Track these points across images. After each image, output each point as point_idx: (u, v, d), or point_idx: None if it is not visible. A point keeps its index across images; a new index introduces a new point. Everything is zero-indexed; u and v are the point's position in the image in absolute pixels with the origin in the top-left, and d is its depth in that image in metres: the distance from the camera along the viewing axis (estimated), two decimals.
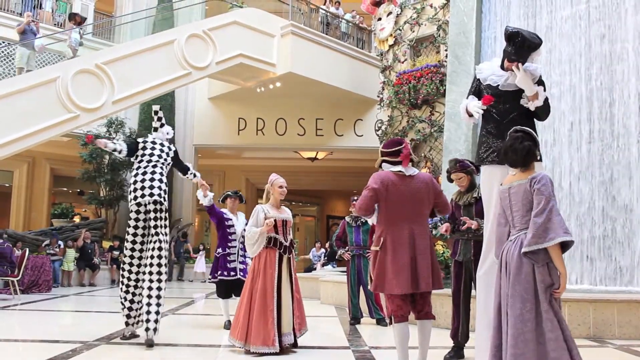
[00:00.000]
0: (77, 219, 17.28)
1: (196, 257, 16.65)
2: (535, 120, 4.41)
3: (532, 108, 4.24)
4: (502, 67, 4.40)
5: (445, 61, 11.00)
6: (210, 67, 13.74)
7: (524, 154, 3.33)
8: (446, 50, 11.08)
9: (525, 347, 3.10)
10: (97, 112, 12.17)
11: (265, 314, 4.99)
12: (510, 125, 4.39)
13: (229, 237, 6.83)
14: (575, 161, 8.91)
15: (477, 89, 4.61)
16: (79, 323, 7.93)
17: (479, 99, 4.47)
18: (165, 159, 6.16)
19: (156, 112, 6.35)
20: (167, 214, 6.05)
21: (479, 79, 4.62)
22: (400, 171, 4.19)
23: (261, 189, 24.55)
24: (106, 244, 14.87)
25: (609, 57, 8.89)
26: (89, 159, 15.21)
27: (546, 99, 4.27)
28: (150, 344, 5.35)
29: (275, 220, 5.21)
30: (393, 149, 4.28)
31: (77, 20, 14.08)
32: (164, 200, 5.96)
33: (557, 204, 3.20)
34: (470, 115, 4.49)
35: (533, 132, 3.42)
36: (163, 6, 17.19)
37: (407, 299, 4.08)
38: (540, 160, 4.72)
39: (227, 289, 6.78)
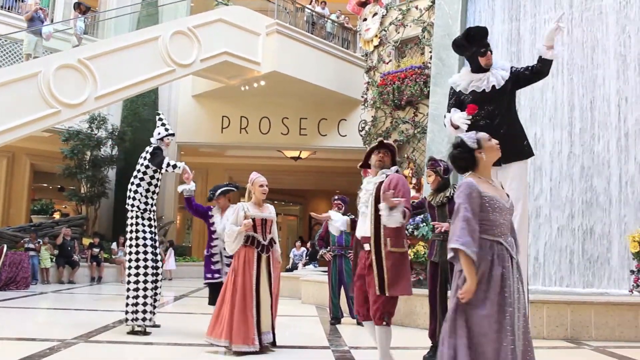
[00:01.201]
0: (57, 216, 17.11)
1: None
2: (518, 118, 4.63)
3: (544, 55, 4.60)
4: (474, 71, 4.59)
5: (430, 63, 11.05)
6: (194, 65, 13.67)
7: (457, 162, 3.40)
8: (431, 52, 11.13)
9: (441, 345, 3.17)
10: (79, 107, 12.06)
11: (245, 313, 4.98)
12: (500, 124, 4.54)
13: (212, 236, 6.60)
14: (555, 164, 9.00)
15: (458, 101, 4.74)
16: (57, 321, 7.84)
17: (461, 111, 4.58)
18: (141, 166, 6.70)
19: (157, 115, 7.03)
20: (137, 217, 6.75)
21: (458, 91, 4.76)
22: None
23: (244, 188, 24.62)
24: (86, 241, 14.72)
25: (591, 61, 8.99)
26: (70, 154, 15.06)
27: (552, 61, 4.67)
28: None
29: (254, 219, 5.19)
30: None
31: (81, 9, 14.22)
32: (131, 207, 6.77)
33: (468, 211, 3.17)
34: (457, 128, 4.58)
35: (468, 143, 3.39)
36: (148, 2, 17.07)
37: None
38: (528, 156, 4.82)
39: (213, 292, 6.37)
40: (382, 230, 4.12)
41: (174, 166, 6.41)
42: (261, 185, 5.33)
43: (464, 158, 3.38)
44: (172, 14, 16.22)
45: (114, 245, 15.09)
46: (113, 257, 14.85)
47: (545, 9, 9.69)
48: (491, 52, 4.70)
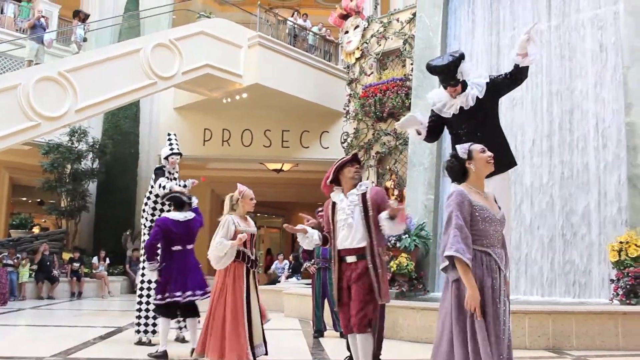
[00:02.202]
0: (36, 230, 16.88)
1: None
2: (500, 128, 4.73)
3: (521, 63, 4.79)
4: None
5: (411, 75, 11.13)
6: (176, 77, 13.61)
7: (449, 172, 3.48)
8: (412, 64, 11.21)
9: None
10: (59, 120, 11.93)
11: (237, 329, 4.92)
12: (481, 139, 4.64)
13: None
14: (536, 175, 9.08)
15: (439, 118, 4.95)
16: (35, 337, 7.71)
17: (436, 131, 4.94)
18: (152, 188, 7.05)
19: (168, 135, 7.46)
20: (145, 235, 7.00)
21: (436, 114, 5.01)
22: None
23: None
24: (66, 256, 14.53)
25: (569, 74, 9.11)
26: (50, 168, 14.89)
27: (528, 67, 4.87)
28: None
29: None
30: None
31: (80, 16, 14.38)
32: (142, 226, 7.08)
33: (460, 218, 3.19)
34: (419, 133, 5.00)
35: (460, 154, 3.44)
36: (129, 14, 17.02)
37: None
38: (510, 167, 4.89)
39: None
40: (374, 240, 4.20)
41: (163, 187, 6.74)
42: (252, 199, 5.30)
43: (455, 168, 3.44)
44: (153, 27, 16.17)
45: (95, 260, 14.91)
46: (94, 271, 14.66)
47: (524, 21, 9.79)
48: (458, 83, 4.87)
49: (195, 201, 6.41)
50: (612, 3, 8.81)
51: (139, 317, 6.75)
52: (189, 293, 5.84)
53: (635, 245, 7.08)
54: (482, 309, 3.12)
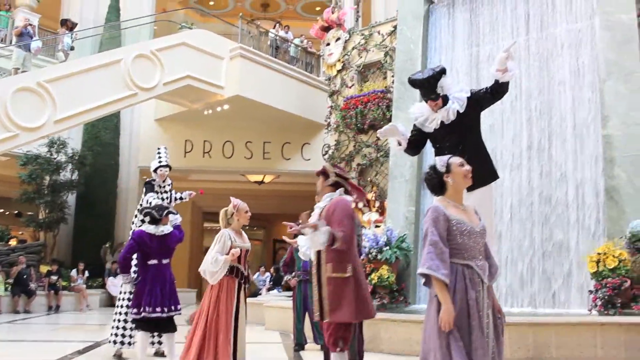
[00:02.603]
0: (13, 242, 16.61)
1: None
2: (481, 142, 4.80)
3: (500, 79, 4.85)
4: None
5: (392, 87, 11.19)
6: (157, 88, 13.56)
7: (428, 184, 3.51)
8: (393, 76, 11.27)
9: None
10: (38, 131, 11.82)
11: (226, 345, 4.90)
12: (463, 152, 4.71)
13: None
14: (514, 186, 9.15)
15: (421, 132, 5.01)
16: (10, 353, 7.55)
17: (418, 145, 5.07)
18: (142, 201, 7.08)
19: (158, 149, 7.33)
20: None
21: (418, 128, 5.06)
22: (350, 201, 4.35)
23: (208, 212, 24.32)
24: (44, 269, 14.31)
25: (547, 87, 9.23)
26: (28, 179, 14.71)
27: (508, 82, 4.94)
28: None
29: (240, 250, 5.12)
30: (349, 177, 4.46)
31: (68, 25, 14.48)
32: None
33: (435, 235, 3.21)
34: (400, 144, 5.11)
35: (438, 167, 3.46)
36: (110, 25, 16.94)
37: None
38: (491, 180, 4.93)
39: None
40: (322, 255, 4.15)
41: (150, 203, 6.72)
42: (247, 212, 5.28)
43: (433, 181, 3.45)
44: (135, 37, 16.09)
45: (73, 272, 14.70)
46: (72, 284, 14.45)
47: (503, 35, 9.92)
48: (438, 97, 4.93)
49: (179, 219, 6.35)
50: (588, 17, 8.95)
51: (117, 327, 6.68)
52: (172, 308, 5.80)
53: (613, 256, 7.14)
54: (467, 322, 3.13)
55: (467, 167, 3.41)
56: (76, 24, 15.20)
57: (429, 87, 4.97)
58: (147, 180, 7.23)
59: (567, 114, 8.91)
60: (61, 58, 14.19)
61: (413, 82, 5.17)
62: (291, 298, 7.85)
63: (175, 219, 6.27)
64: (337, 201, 4.24)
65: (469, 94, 4.97)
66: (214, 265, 4.95)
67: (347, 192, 4.40)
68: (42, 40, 14.92)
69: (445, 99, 4.97)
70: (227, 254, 4.97)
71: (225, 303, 5.00)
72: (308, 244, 4.23)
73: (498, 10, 10.08)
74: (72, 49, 14.56)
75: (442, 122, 4.95)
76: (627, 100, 8.05)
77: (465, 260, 3.24)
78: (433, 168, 3.46)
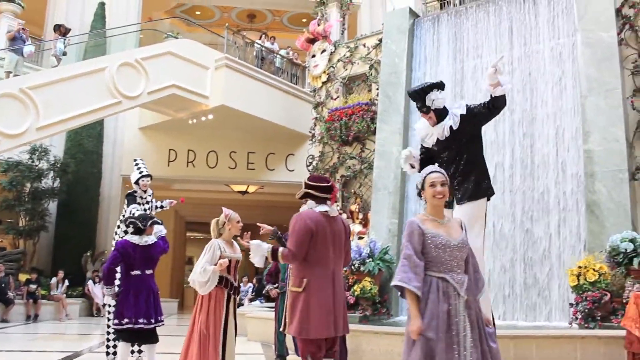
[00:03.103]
0: None
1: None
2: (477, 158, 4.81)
3: (494, 93, 4.83)
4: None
5: (377, 99, 11.25)
6: (141, 97, 13.52)
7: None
8: (378, 89, 11.34)
9: None
10: (19, 138, 11.71)
11: (214, 357, 4.88)
12: (458, 167, 4.77)
13: None
14: (497, 200, 9.22)
15: (426, 149, 5.14)
16: None
17: (427, 162, 4.94)
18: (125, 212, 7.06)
19: (135, 160, 7.37)
20: None
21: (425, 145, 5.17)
22: (326, 211, 4.21)
23: (191, 222, 24.21)
24: (23, 277, 14.13)
25: (530, 102, 9.34)
26: (9, 186, 14.55)
27: (504, 95, 4.89)
28: None
29: (230, 260, 5.09)
30: (322, 184, 4.30)
31: (61, 30, 14.61)
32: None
33: (409, 248, 3.31)
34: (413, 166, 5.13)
35: (418, 180, 3.58)
36: (96, 32, 16.88)
37: (323, 340, 4.07)
38: (481, 197, 4.94)
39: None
40: (288, 270, 4.22)
41: (133, 214, 6.75)
42: (238, 221, 5.26)
43: (417, 193, 3.59)
44: (120, 46, 16.06)
45: (53, 281, 14.53)
46: (51, 293, 14.27)
47: (487, 51, 10.04)
48: (429, 110, 4.99)
49: (163, 231, 6.31)
50: (570, 34, 9.09)
51: (107, 339, 6.74)
52: (155, 319, 5.76)
53: (593, 269, 7.22)
54: (436, 333, 3.17)
55: (438, 189, 3.44)
56: (69, 30, 15.28)
57: (418, 99, 5.02)
58: (129, 192, 7.26)
59: (549, 130, 9.02)
60: (53, 63, 14.27)
61: (408, 94, 5.27)
62: (273, 309, 7.82)
63: (160, 230, 6.22)
64: (295, 217, 4.26)
65: (463, 111, 4.98)
66: (202, 275, 4.93)
67: (323, 199, 4.32)
68: (40, 44, 15.06)
69: (442, 115, 5.00)
70: (217, 264, 4.95)
71: (214, 314, 4.98)
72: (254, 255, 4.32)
73: (482, 25, 10.20)
74: (64, 54, 14.62)
75: (437, 138, 5.00)
76: (607, 115, 8.17)
77: (441, 273, 3.30)
78: (417, 183, 3.58)
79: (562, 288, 8.24)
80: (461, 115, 4.95)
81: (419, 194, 3.56)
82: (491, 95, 4.90)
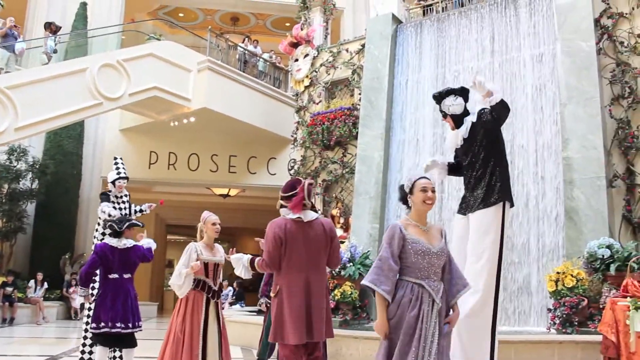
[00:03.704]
0: None
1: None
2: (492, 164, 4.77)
3: (490, 103, 4.81)
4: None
5: (359, 104, 11.29)
6: (123, 99, 13.41)
7: (399, 193, 3.60)
8: (360, 94, 11.38)
9: None
10: None
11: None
12: (474, 172, 4.74)
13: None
14: None
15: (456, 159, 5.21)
16: None
17: (457, 168, 5.07)
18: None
19: (115, 158, 7.27)
20: None
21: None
22: (298, 217, 4.19)
23: (171, 225, 24.04)
24: None
25: (510, 107, 9.42)
26: None
27: (502, 100, 4.85)
28: None
29: (207, 264, 5.06)
30: (288, 194, 4.29)
31: (52, 28, 14.79)
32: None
33: (387, 251, 3.34)
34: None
35: (405, 183, 3.56)
36: (77, 33, 16.73)
37: (300, 346, 4.07)
38: (492, 204, 4.86)
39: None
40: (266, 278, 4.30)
41: (103, 212, 6.70)
42: (214, 224, 5.21)
43: (401, 194, 3.58)
44: (102, 46, 15.90)
45: (31, 283, 14.33)
46: (28, 296, 14.07)
47: (468, 57, 10.14)
48: (445, 116, 5.09)
49: (153, 244, 6.24)
50: (550, 43, 9.21)
51: (84, 344, 6.63)
52: (133, 324, 5.70)
53: (571, 275, 7.31)
54: (398, 336, 3.22)
55: (429, 194, 3.44)
56: (60, 28, 15.35)
57: (437, 103, 5.11)
58: (103, 191, 7.27)
59: (529, 137, 9.12)
60: (44, 60, 14.28)
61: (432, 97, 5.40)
62: (254, 313, 7.79)
63: (149, 242, 6.19)
64: (268, 226, 4.26)
65: (474, 119, 4.97)
66: (178, 278, 4.91)
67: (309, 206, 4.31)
68: (32, 41, 15.04)
69: (460, 120, 5.01)
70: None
71: (191, 318, 4.94)
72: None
73: (464, 32, 10.30)
74: (55, 52, 14.70)
75: (458, 144, 5.04)
76: (585, 123, 8.28)
77: (418, 279, 3.34)
78: (402, 185, 3.57)
79: (540, 293, 8.32)
80: (472, 123, 4.93)
81: (404, 199, 3.53)
82: (490, 106, 4.90)
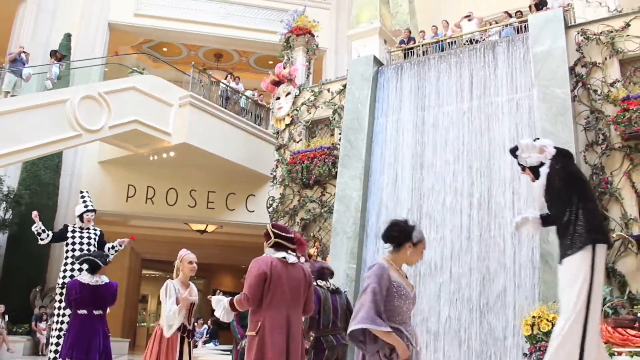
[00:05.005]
0: None
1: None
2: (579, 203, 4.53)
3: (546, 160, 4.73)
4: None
5: (339, 144, 11.37)
6: (102, 131, 13.35)
7: (391, 231, 3.54)
8: (340, 133, 11.47)
9: None
10: None
11: None
12: (560, 222, 4.56)
13: None
14: (454, 249, 9.33)
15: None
16: None
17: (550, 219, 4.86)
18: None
19: (81, 192, 7.34)
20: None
21: None
22: (284, 258, 4.24)
23: (147, 259, 23.72)
24: None
25: (488, 151, 9.58)
26: None
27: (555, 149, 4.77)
28: None
29: None
30: (290, 235, 4.40)
31: (57, 56, 15.23)
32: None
33: (378, 294, 3.25)
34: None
35: (414, 235, 3.51)
36: (60, 64, 16.70)
37: None
38: (576, 248, 4.34)
39: None
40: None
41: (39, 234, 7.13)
42: (190, 262, 5.17)
43: (398, 235, 3.49)
44: (84, 78, 15.90)
45: None
46: None
47: (448, 100, 10.32)
48: (524, 168, 4.92)
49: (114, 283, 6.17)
50: (527, 89, 9.44)
51: None
52: None
53: (547, 319, 7.32)
54: None
55: (420, 250, 3.51)
56: (65, 56, 15.79)
57: (514, 157, 4.98)
58: (64, 225, 7.42)
59: (506, 178, 9.24)
60: (49, 86, 14.55)
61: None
62: (227, 353, 7.65)
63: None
64: (252, 262, 4.27)
65: (544, 180, 4.73)
66: (170, 318, 4.85)
67: (292, 250, 4.42)
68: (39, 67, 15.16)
69: (537, 171, 4.82)
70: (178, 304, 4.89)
71: (166, 358, 4.86)
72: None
73: (444, 76, 10.51)
74: (59, 78, 14.96)
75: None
76: None
77: (397, 324, 3.31)
78: (407, 228, 3.51)
79: (516, 337, 8.31)
80: (547, 173, 4.77)
81: (399, 239, 3.48)
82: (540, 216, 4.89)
